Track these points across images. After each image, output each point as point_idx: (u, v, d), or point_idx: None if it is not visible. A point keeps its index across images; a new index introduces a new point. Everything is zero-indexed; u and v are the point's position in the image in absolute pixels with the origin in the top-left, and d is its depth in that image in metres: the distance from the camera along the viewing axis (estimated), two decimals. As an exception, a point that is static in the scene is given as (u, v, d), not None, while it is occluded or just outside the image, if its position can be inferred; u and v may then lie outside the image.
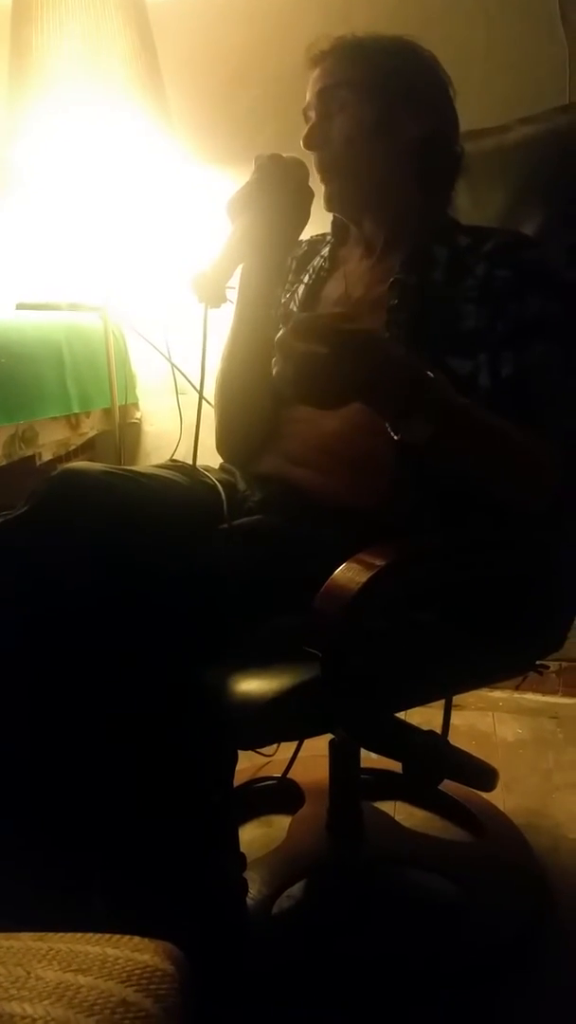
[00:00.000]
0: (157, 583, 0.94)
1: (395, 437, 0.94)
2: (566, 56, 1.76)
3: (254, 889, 1.27)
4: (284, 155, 1.15)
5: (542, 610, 1.17)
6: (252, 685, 0.89)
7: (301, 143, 1.18)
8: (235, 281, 1.17)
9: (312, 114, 1.19)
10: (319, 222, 1.28)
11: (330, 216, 1.30)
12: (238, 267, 1.15)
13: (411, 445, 0.94)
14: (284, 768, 1.39)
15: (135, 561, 0.94)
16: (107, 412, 1.99)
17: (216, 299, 1.10)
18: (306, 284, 1.30)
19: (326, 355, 0.89)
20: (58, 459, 1.83)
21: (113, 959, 0.50)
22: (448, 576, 1.04)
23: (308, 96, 1.20)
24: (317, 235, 1.36)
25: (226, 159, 1.95)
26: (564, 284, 1.12)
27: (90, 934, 0.54)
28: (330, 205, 1.20)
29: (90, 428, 1.94)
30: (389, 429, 0.95)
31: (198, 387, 1.17)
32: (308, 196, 1.16)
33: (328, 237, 1.33)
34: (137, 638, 0.91)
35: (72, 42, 1.64)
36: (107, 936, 0.53)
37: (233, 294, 1.18)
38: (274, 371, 0.93)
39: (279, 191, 1.13)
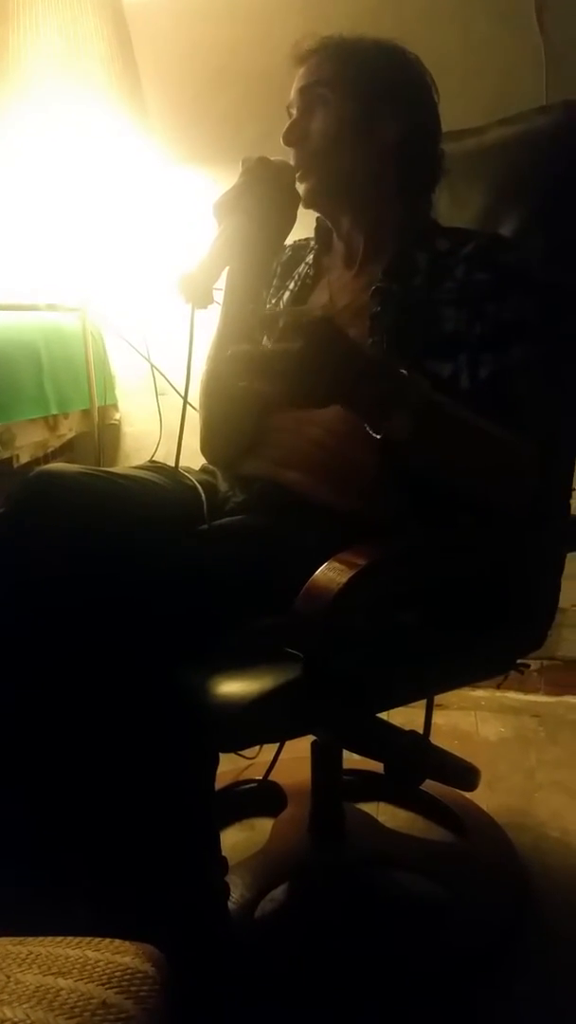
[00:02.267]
0: (135, 584, 0.93)
1: (376, 436, 0.94)
2: (542, 58, 1.77)
3: (236, 893, 1.26)
4: (272, 158, 1.15)
5: (522, 609, 1.17)
6: (233, 687, 0.88)
7: (281, 139, 1.18)
8: (221, 282, 1.17)
9: (294, 111, 1.19)
10: (303, 227, 1.28)
11: (313, 222, 1.30)
12: (225, 269, 1.15)
13: (392, 443, 0.93)
14: (265, 770, 1.38)
15: (112, 563, 0.93)
16: (86, 413, 1.98)
17: (203, 300, 1.09)
18: (292, 291, 1.30)
19: (301, 348, 0.88)
20: (36, 461, 1.81)
21: (93, 962, 0.50)
22: (429, 576, 1.04)
23: (291, 94, 1.20)
24: (301, 240, 1.35)
25: (206, 160, 1.95)
26: (541, 285, 1.12)
27: (70, 938, 0.53)
28: (308, 201, 1.20)
29: (68, 430, 1.93)
30: (369, 429, 0.94)
31: (179, 388, 1.17)
32: (295, 199, 1.16)
33: (312, 243, 1.33)
34: (115, 640, 0.91)
35: (49, 42, 1.63)
36: (87, 939, 0.53)
37: (219, 295, 1.17)
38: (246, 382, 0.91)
39: (267, 193, 1.13)
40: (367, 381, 0.92)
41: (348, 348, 0.92)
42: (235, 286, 1.19)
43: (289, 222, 1.18)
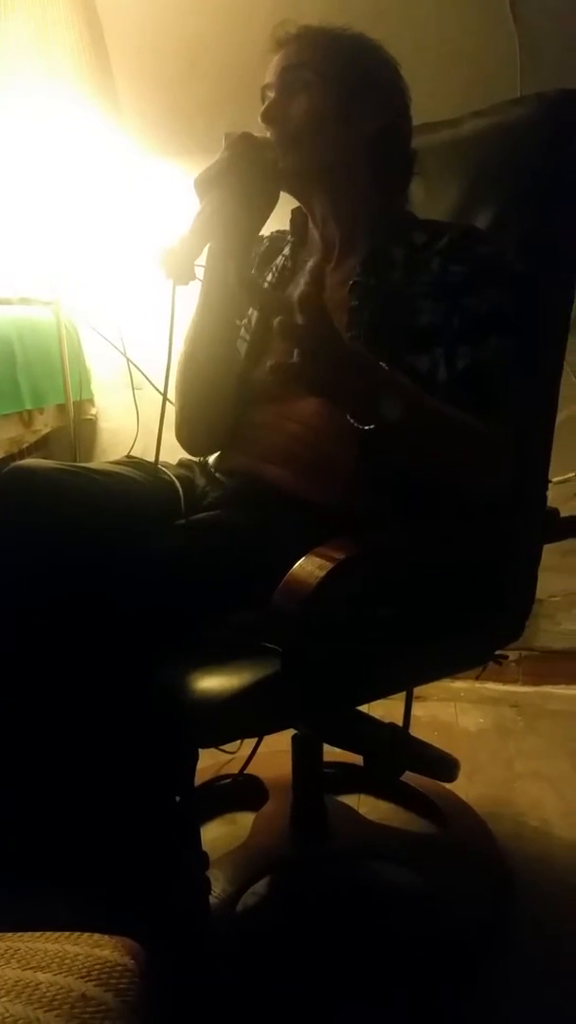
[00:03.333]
0: (112, 580, 0.93)
1: (361, 428, 0.93)
2: (517, 50, 1.78)
3: (218, 887, 1.26)
4: (256, 134, 1.14)
5: (500, 601, 1.18)
6: (211, 682, 0.88)
7: (259, 117, 1.17)
8: (201, 260, 1.15)
9: (271, 93, 1.18)
10: (279, 219, 1.28)
11: (289, 213, 1.29)
12: (206, 245, 1.13)
13: (376, 433, 0.92)
14: (244, 765, 1.38)
15: (89, 559, 0.93)
16: (61, 408, 1.96)
17: (184, 276, 1.08)
18: (269, 283, 1.29)
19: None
20: (11, 456, 1.80)
21: (72, 956, 0.50)
22: (408, 569, 1.04)
23: (269, 77, 1.18)
24: (277, 231, 1.35)
25: (179, 151, 1.93)
26: (516, 277, 1.13)
27: (49, 932, 0.53)
28: (284, 182, 1.19)
29: (44, 425, 1.92)
30: (352, 420, 0.94)
31: (155, 380, 1.16)
32: (278, 178, 1.16)
33: (288, 236, 1.32)
34: (92, 636, 0.90)
35: (18, 31, 1.61)
36: (66, 934, 0.53)
37: (200, 271, 1.16)
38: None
39: (250, 169, 1.12)
40: (358, 372, 0.91)
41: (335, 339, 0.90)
42: (216, 263, 1.17)
43: (271, 200, 1.17)
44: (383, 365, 0.92)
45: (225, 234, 1.14)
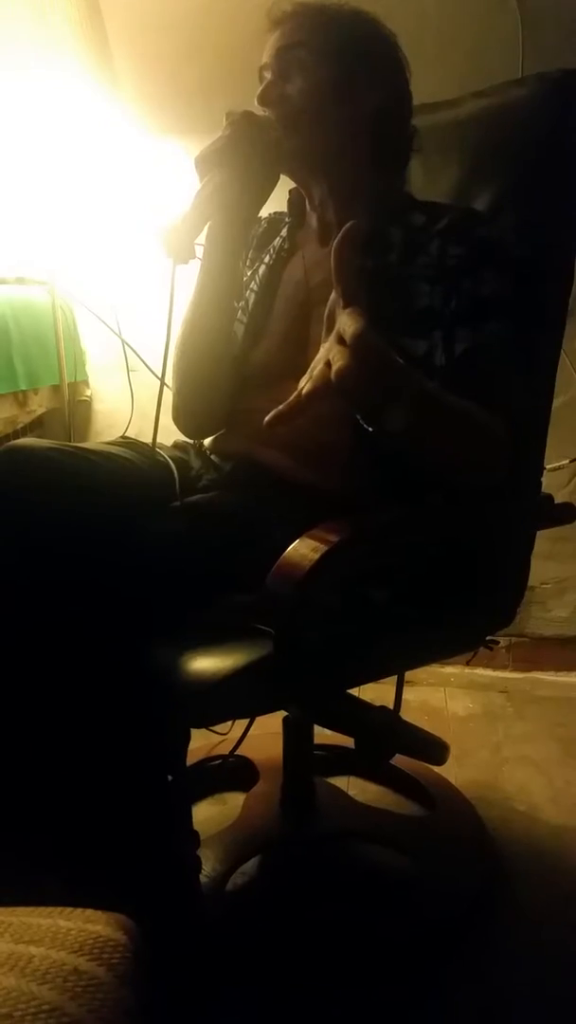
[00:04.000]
0: (105, 561, 0.93)
1: (369, 428, 0.90)
2: (519, 29, 1.76)
3: (208, 866, 1.27)
4: (257, 113, 1.13)
5: (492, 587, 1.18)
6: (204, 663, 0.89)
7: (256, 99, 1.16)
8: (201, 238, 1.14)
9: (268, 74, 1.17)
10: (277, 200, 1.27)
11: (287, 195, 1.29)
12: (206, 224, 1.13)
13: (386, 434, 0.90)
14: (235, 746, 1.39)
15: (82, 539, 0.93)
16: (56, 389, 1.96)
17: (185, 255, 1.07)
18: (267, 264, 1.29)
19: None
20: (5, 437, 1.80)
21: (65, 930, 0.50)
22: (401, 553, 1.05)
23: (265, 57, 1.17)
24: (275, 213, 1.34)
25: (178, 130, 1.92)
26: (515, 259, 1.12)
27: (42, 907, 0.53)
28: (283, 163, 1.18)
29: (38, 406, 1.91)
30: (362, 421, 0.90)
31: (150, 363, 1.15)
32: (279, 157, 1.15)
33: (286, 217, 1.32)
34: (84, 616, 0.90)
35: (14, 10, 1.59)
36: (59, 909, 0.53)
37: (200, 250, 1.15)
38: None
39: (252, 148, 1.11)
40: (372, 377, 0.84)
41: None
42: (215, 244, 1.17)
43: (272, 179, 1.16)
44: (400, 361, 0.87)
45: (225, 213, 1.13)
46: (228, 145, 1.11)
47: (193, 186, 1.11)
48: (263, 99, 1.16)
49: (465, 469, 1.02)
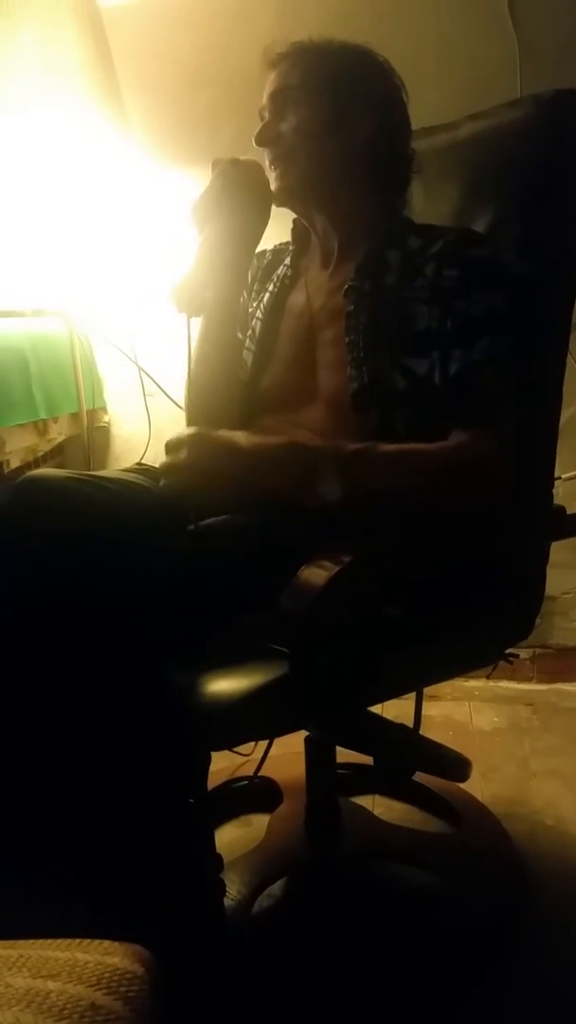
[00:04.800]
0: (122, 588, 0.94)
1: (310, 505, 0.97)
2: (516, 52, 1.78)
3: (234, 889, 1.28)
4: (242, 158, 1.16)
5: (507, 600, 1.18)
6: (221, 685, 0.89)
7: (253, 141, 1.20)
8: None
9: (266, 115, 1.21)
10: (282, 229, 1.30)
11: (291, 223, 1.31)
12: (211, 273, 1.17)
13: (329, 505, 0.96)
14: (258, 767, 1.39)
15: (99, 567, 0.94)
16: (75, 417, 1.98)
17: (196, 308, 1.15)
18: (271, 292, 1.31)
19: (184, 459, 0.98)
20: (27, 465, 1.82)
21: (83, 964, 0.51)
22: (414, 570, 1.05)
23: (263, 100, 1.21)
24: (280, 244, 1.36)
25: (186, 160, 1.95)
26: (514, 277, 1.13)
27: (60, 940, 0.54)
28: (280, 199, 1.21)
29: (58, 433, 1.94)
30: (303, 505, 0.98)
31: (167, 389, 1.18)
32: (270, 197, 1.19)
33: (290, 246, 1.34)
34: (103, 643, 0.92)
35: (27, 48, 1.63)
36: (77, 941, 0.54)
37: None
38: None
39: (243, 195, 1.16)
40: (272, 473, 0.97)
41: (230, 449, 0.99)
42: (218, 288, 1.20)
43: (264, 220, 1.21)
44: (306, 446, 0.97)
45: (225, 260, 1.18)
46: (220, 195, 1.16)
47: (192, 236, 1.15)
48: (259, 140, 1.20)
49: (456, 502, 1.04)
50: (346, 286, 1.17)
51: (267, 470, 0.99)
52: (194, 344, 1.24)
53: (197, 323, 1.15)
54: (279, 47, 1.19)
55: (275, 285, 1.31)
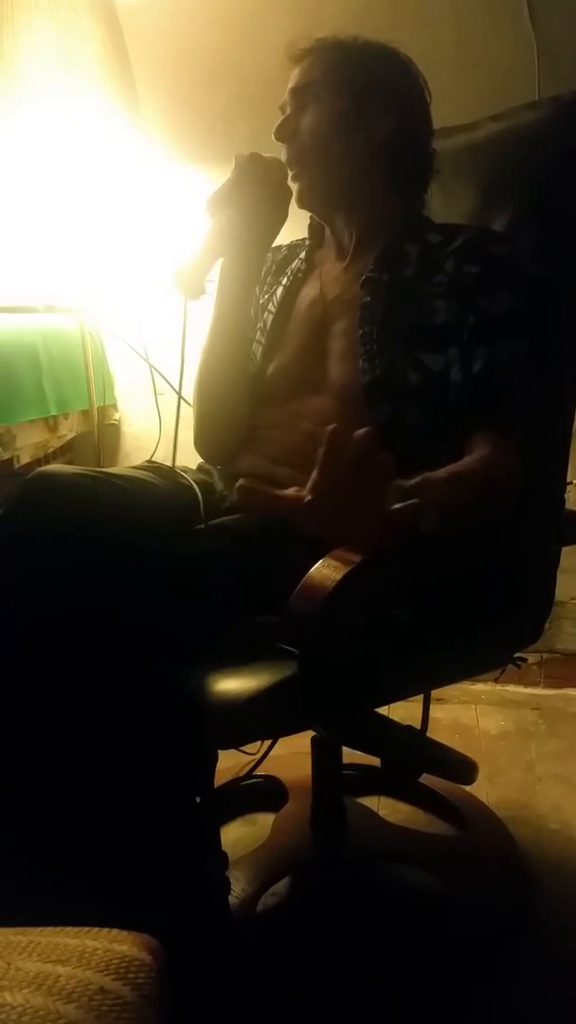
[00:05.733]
0: (132, 585, 0.94)
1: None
2: (535, 53, 1.78)
3: (238, 887, 1.28)
4: (264, 154, 1.17)
5: (517, 604, 1.18)
6: (229, 684, 0.90)
7: (272, 134, 1.20)
8: (214, 275, 1.19)
9: (288, 110, 1.21)
10: (298, 226, 1.30)
11: (307, 221, 1.31)
12: (217, 261, 1.17)
13: (427, 536, 0.89)
14: (254, 765, 1.39)
15: (109, 564, 0.94)
16: (85, 414, 1.98)
17: (196, 291, 1.13)
18: (284, 286, 1.31)
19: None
20: (37, 461, 1.82)
21: (92, 950, 0.51)
22: (424, 572, 1.05)
23: (286, 94, 1.21)
24: (297, 240, 1.37)
25: (201, 158, 1.95)
26: (531, 278, 1.13)
27: (69, 928, 0.54)
28: (301, 201, 1.22)
29: (68, 430, 1.94)
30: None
31: (176, 386, 1.18)
32: (287, 195, 1.19)
33: (306, 241, 1.34)
34: (112, 639, 0.92)
35: (43, 44, 1.63)
36: (86, 929, 0.54)
37: (212, 287, 1.19)
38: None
39: (258, 189, 1.16)
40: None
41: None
42: (227, 279, 1.21)
43: (280, 217, 1.20)
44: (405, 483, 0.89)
45: (235, 251, 1.18)
46: (235, 187, 1.16)
47: (203, 225, 1.15)
48: (278, 135, 1.20)
49: (484, 517, 1.02)
50: (364, 276, 1.17)
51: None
52: (203, 336, 1.24)
53: (194, 308, 1.15)
54: (304, 42, 1.20)
55: (288, 279, 1.32)
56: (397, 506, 0.83)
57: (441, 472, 0.97)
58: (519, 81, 1.78)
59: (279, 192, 1.18)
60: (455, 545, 1.00)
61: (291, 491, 0.87)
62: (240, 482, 0.90)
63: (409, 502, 0.82)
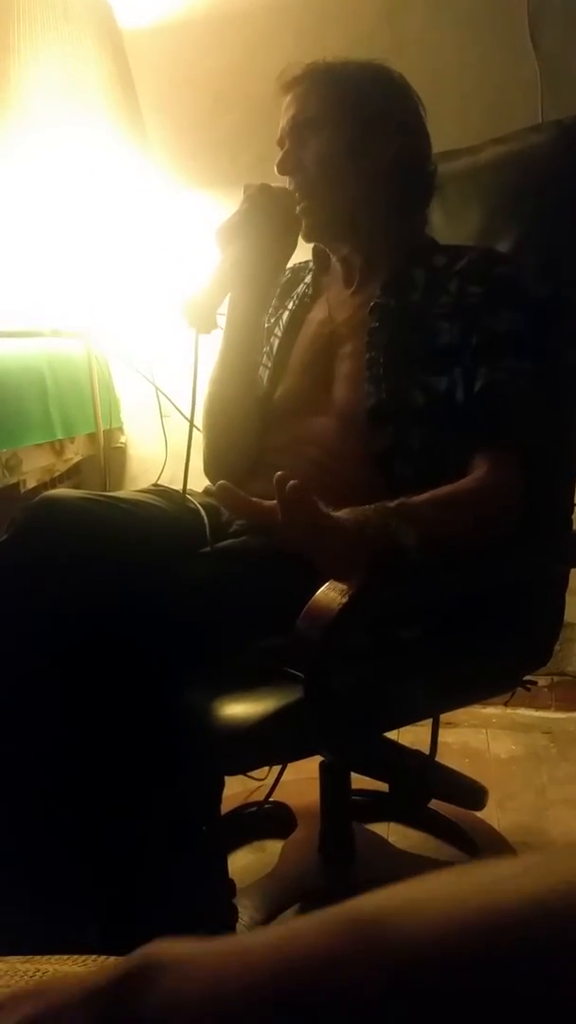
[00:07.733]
0: (137, 610, 0.94)
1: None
2: (537, 77, 1.79)
3: (246, 915, 1.26)
4: (273, 185, 1.17)
5: (525, 627, 1.17)
6: (236, 709, 0.89)
7: (275, 169, 1.20)
8: (224, 307, 1.19)
9: (286, 142, 1.21)
10: (302, 249, 1.30)
11: (309, 246, 1.31)
12: (227, 295, 1.17)
13: (408, 552, 0.91)
14: (269, 792, 1.38)
15: (114, 588, 0.94)
16: (92, 437, 1.99)
17: (206, 325, 1.13)
18: (290, 310, 1.32)
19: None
20: (43, 485, 1.82)
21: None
22: (430, 594, 1.04)
23: (281, 123, 1.21)
24: (299, 263, 1.37)
25: (207, 183, 1.97)
26: (535, 299, 1.13)
27: (77, 956, 0.53)
28: (309, 236, 1.22)
29: (75, 453, 1.94)
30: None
31: (183, 410, 1.18)
32: (296, 226, 1.19)
33: (310, 265, 1.35)
34: (115, 664, 0.91)
35: (49, 71, 1.65)
36: (94, 957, 0.53)
37: (222, 320, 1.19)
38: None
39: (268, 221, 1.16)
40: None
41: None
42: (237, 312, 1.21)
43: (289, 248, 1.21)
44: (386, 505, 0.93)
45: (245, 284, 1.18)
46: (245, 220, 1.16)
47: (213, 256, 1.15)
48: (281, 168, 1.20)
49: (479, 536, 1.02)
50: (372, 303, 1.17)
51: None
52: (211, 365, 1.25)
53: (205, 340, 1.14)
54: (294, 70, 1.20)
55: (294, 303, 1.32)
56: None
57: (424, 495, 0.98)
58: (522, 105, 1.80)
59: (288, 223, 1.18)
60: (457, 564, 1.01)
61: (270, 504, 0.88)
62: (220, 483, 0.91)
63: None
